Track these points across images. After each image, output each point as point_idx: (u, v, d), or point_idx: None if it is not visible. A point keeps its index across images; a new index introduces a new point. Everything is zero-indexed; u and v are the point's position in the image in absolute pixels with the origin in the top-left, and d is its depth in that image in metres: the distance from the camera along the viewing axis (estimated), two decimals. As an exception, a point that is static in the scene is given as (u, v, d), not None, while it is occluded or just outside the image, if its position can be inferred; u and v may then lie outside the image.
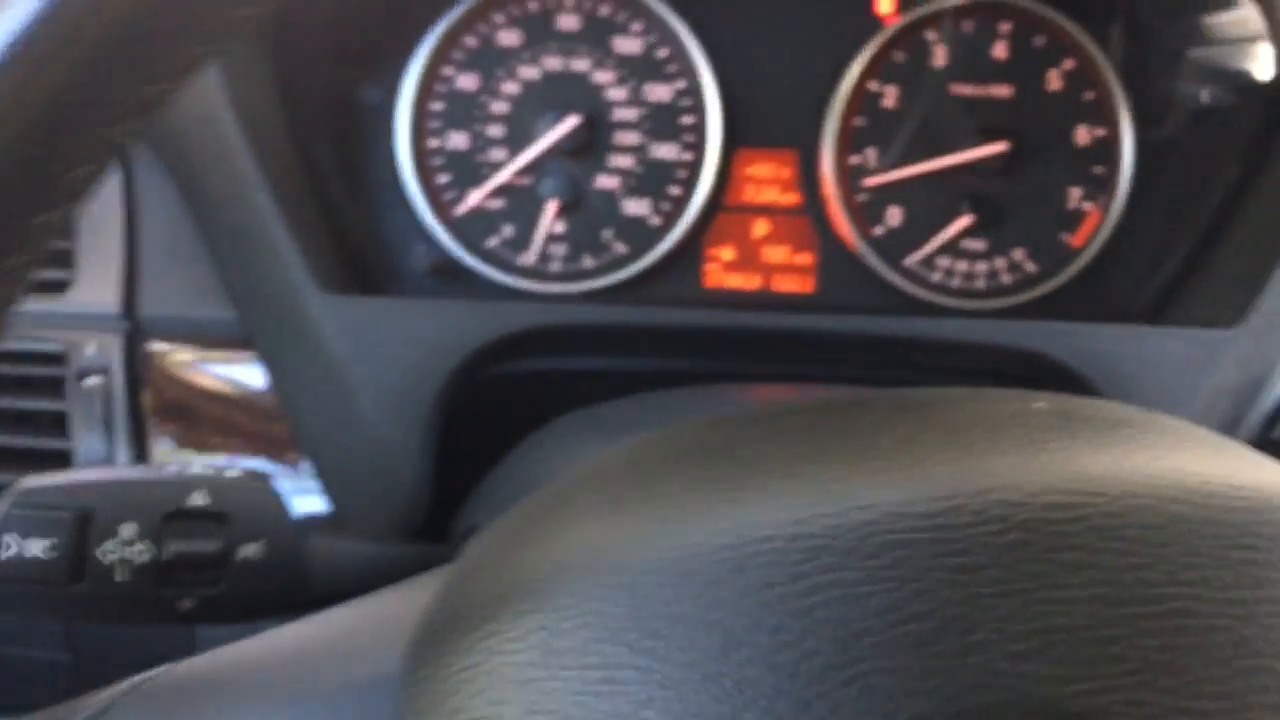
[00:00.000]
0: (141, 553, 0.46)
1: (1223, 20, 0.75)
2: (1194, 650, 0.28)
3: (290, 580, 0.48)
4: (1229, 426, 0.71)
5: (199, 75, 0.30)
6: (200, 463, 0.71)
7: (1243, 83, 0.76)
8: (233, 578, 0.47)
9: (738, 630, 0.29)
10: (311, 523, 0.69)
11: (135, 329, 0.73)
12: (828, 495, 0.32)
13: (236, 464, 0.72)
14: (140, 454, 0.70)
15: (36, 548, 0.45)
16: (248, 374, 0.72)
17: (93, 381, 0.70)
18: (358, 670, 0.35)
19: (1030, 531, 0.30)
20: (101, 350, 0.71)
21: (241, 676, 0.35)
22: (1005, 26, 0.79)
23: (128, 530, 0.46)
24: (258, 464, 0.72)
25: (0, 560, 0.45)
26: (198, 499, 0.47)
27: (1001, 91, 0.79)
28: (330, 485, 0.68)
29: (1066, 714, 0.27)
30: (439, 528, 0.67)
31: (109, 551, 0.46)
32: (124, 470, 0.47)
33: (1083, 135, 0.80)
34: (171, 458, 0.71)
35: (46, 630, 0.69)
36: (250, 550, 0.47)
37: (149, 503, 0.46)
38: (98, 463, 0.69)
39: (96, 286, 0.73)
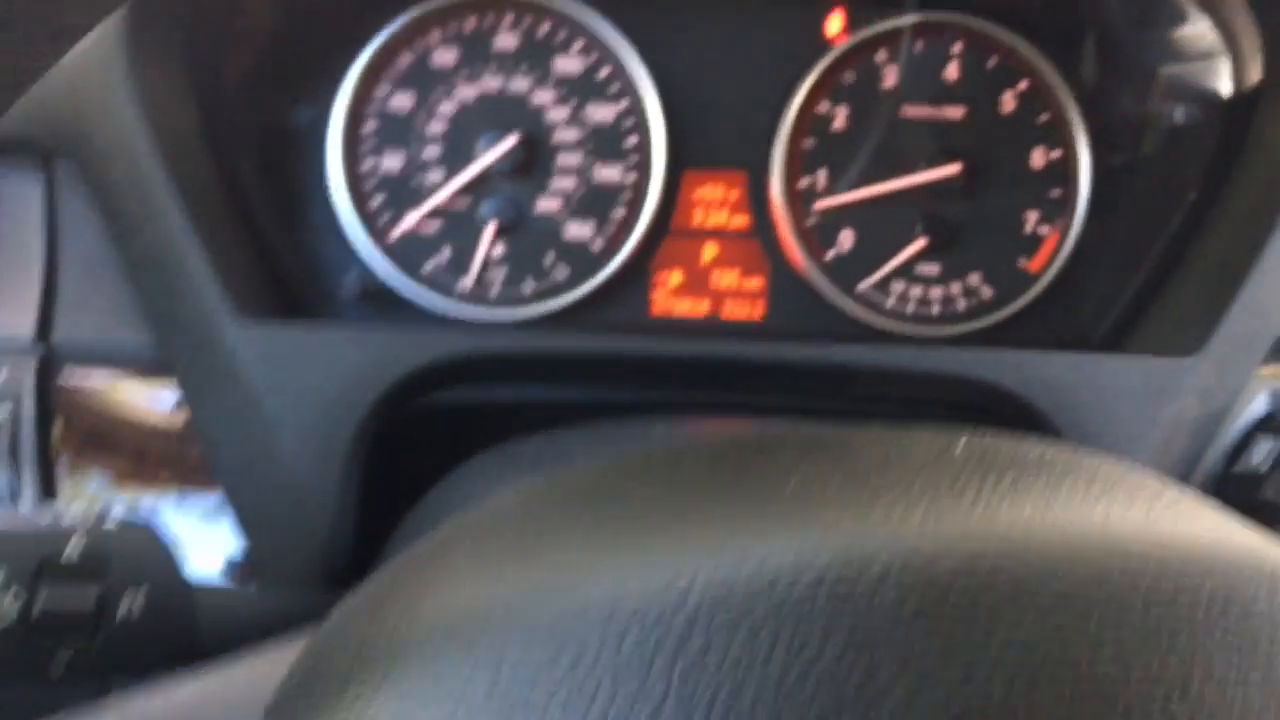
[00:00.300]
0: (9, 607, 0.42)
1: (1189, 34, 0.73)
2: (1121, 729, 0.26)
3: (177, 636, 0.45)
4: (1189, 460, 0.68)
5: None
6: (94, 502, 0.67)
7: (1211, 100, 0.74)
8: (111, 634, 0.44)
9: (617, 704, 0.26)
10: (224, 565, 0.65)
11: (49, 354, 0.69)
12: (719, 552, 0.29)
13: (143, 501, 0.68)
14: (47, 487, 0.67)
15: (-103, 600, 0.42)
16: (165, 401, 0.69)
17: (1, 412, 0.67)
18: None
19: (939, 594, 0.27)
20: (11, 378, 0.67)
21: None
22: (957, 47, 0.77)
23: (-4, 580, 0.42)
24: (172, 496, 0.69)
25: None
26: (74, 549, 0.44)
27: (954, 113, 0.77)
28: (247, 524, 0.64)
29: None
30: (362, 572, 0.63)
31: (-26, 604, 0.42)
32: (-9, 518, 0.44)
33: (1039, 157, 0.78)
34: (80, 490, 0.67)
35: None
36: (131, 604, 0.44)
37: (19, 553, 0.43)
38: (2, 496, 0.66)
39: (11, 310, 0.70)
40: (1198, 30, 0.72)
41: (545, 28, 0.76)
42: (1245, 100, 0.71)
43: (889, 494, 0.31)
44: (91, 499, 0.64)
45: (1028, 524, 0.30)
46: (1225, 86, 0.73)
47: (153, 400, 0.70)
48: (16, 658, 0.43)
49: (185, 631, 0.45)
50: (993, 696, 0.26)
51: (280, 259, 0.74)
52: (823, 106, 0.77)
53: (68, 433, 0.68)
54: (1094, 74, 0.77)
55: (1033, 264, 0.78)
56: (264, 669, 0.35)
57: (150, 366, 0.69)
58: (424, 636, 0.29)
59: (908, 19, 0.76)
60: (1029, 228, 0.78)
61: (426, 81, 0.76)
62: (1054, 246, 0.78)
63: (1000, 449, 0.36)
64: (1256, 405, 0.71)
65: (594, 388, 0.71)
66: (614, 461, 0.37)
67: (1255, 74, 0.70)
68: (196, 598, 0.46)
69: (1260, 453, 0.69)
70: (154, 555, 0.45)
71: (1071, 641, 0.26)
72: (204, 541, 0.64)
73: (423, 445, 0.69)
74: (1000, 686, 0.26)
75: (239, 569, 0.64)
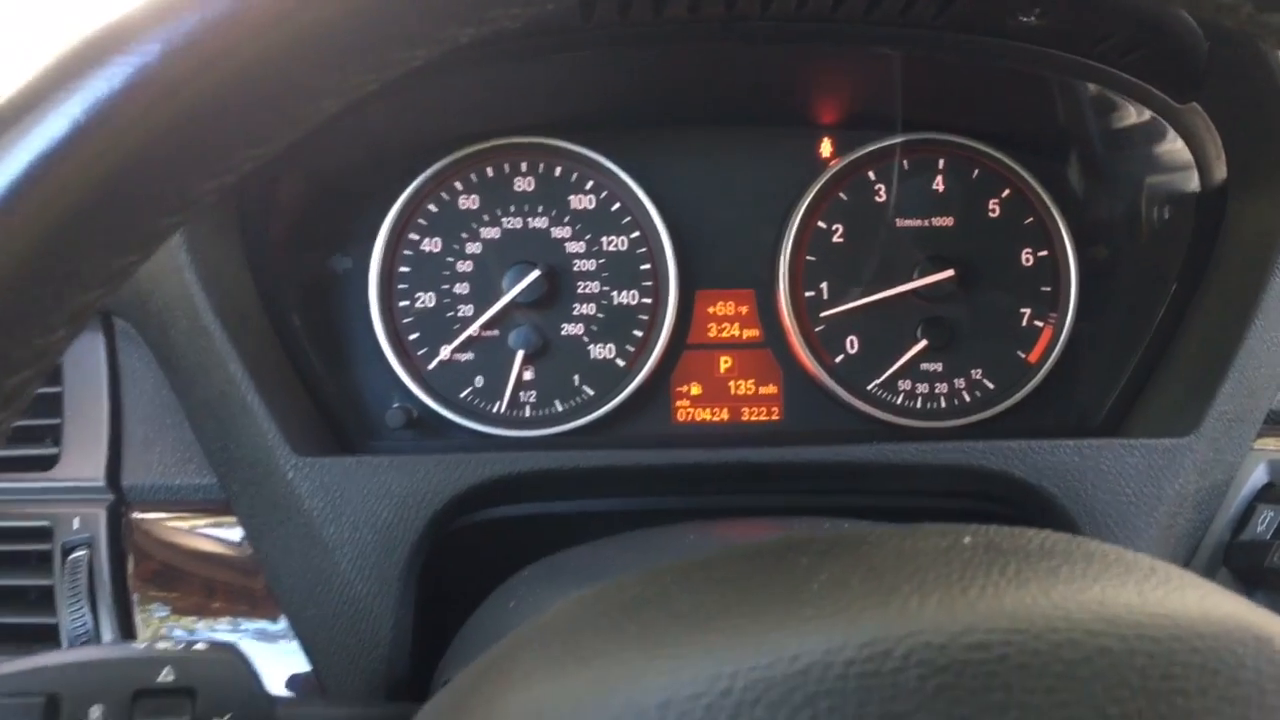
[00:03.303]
0: (109, 737, 0.46)
1: (1160, 137, 0.79)
2: (1130, 787, 0.29)
3: (262, 753, 0.49)
4: (1195, 532, 0.71)
5: (160, 247, 0.33)
6: (173, 633, 0.71)
7: (1184, 199, 0.79)
8: (204, 754, 0.47)
9: (678, 788, 0.30)
10: (292, 684, 0.68)
11: (119, 499, 0.74)
12: (757, 648, 0.32)
13: (215, 630, 0.72)
14: (125, 624, 0.71)
15: (6, 736, 0.46)
16: (228, 536, 0.73)
17: (78, 555, 0.71)
18: None
19: (957, 674, 0.30)
20: (86, 523, 0.72)
21: None
22: (941, 161, 0.83)
23: (96, 712, 0.46)
24: (241, 624, 0.72)
25: (-29, 751, 0.45)
26: (166, 676, 0.48)
27: (944, 221, 0.83)
28: (311, 645, 0.68)
29: None
30: (423, 682, 0.67)
31: (78, 735, 0.46)
32: (90, 650, 0.48)
33: (1027, 257, 0.83)
34: (155, 625, 0.71)
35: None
36: (220, 722, 0.48)
37: (117, 682, 0.47)
38: (83, 635, 0.69)
39: (82, 461, 0.75)
40: (1165, 134, 0.78)
41: (559, 169, 0.83)
42: (1214, 197, 0.76)
43: (905, 587, 0.35)
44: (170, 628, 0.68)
45: (1030, 608, 0.33)
46: (1195, 187, 0.78)
47: (218, 536, 0.74)
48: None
49: (270, 749, 0.49)
50: (1010, 760, 0.29)
51: (328, 396, 0.79)
52: (821, 223, 0.83)
53: (138, 571, 0.72)
54: (1073, 178, 0.83)
55: (1031, 355, 0.83)
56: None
57: (213, 505, 0.74)
58: (505, 732, 0.33)
59: (892, 140, 0.83)
60: (1024, 322, 0.83)
61: (453, 225, 0.82)
62: (1049, 338, 0.83)
63: (1002, 540, 0.40)
64: (1257, 476, 0.75)
65: (625, 497, 0.75)
66: (656, 571, 0.41)
67: (1220, 174, 0.76)
68: (278, 713, 0.49)
69: (1263, 522, 0.72)
70: (238, 675, 0.49)
71: (1077, 711, 0.30)
72: (270, 664, 0.67)
73: (466, 558, 0.73)
74: (1016, 751, 0.29)
75: (303, 687, 0.68)
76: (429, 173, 0.81)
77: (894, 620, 0.33)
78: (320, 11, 0.32)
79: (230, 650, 0.50)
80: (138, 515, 0.74)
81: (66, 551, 0.72)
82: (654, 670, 0.33)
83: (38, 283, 0.30)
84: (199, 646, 0.50)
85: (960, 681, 0.30)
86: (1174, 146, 0.78)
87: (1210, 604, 0.35)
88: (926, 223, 0.83)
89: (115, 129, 0.30)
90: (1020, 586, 0.36)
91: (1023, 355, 0.83)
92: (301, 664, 0.69)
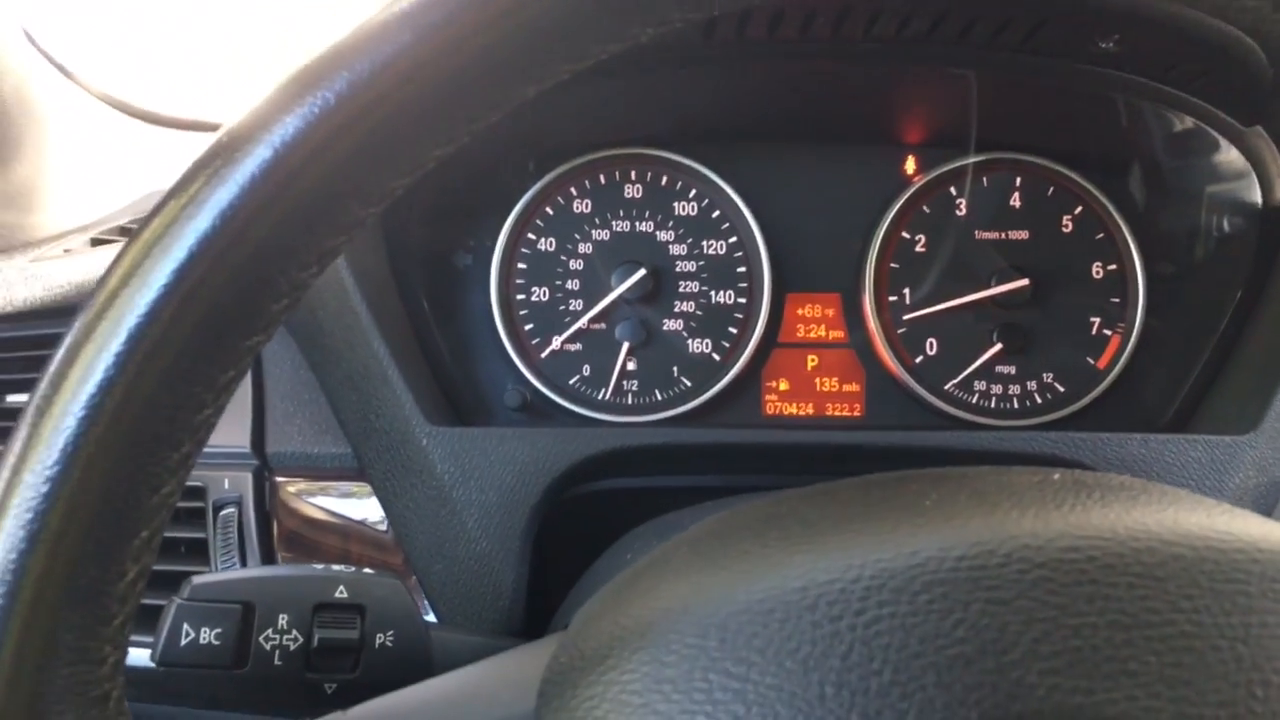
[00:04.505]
0: (294, 640, 0.53)
1: (1223, 159, 0.85)
2: (1198, 665, 0.34)
3: (417, 667, 0.56)
4: (1258, 526, 0.76)
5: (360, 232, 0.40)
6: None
7: (1248, 211, 0.85)
8: (369, 663, 0.55)
9: (814, 656, 0.36)
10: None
11: (263, 465, 0.82)
12: (880, 546, 0.39)
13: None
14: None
15: (207, 636, 0.53)
16: (362, 506, 0.81)
17: (228, 512, 0.79)
18: (496, 711, 0.42)
19: (1051, 570, 0.36)
20: (235, 485, 0.80)
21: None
22: (1018, 179, 0.90)
23: (283, 619, 0.54)
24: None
25: (179, 647, 0.53)
26: (340, 593, 0.55)
27: (1020, 234, 0.89)
28: (437, 599, 0.75)
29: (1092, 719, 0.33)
30: (538, 633, 0.74)
31: (269, 639, 0.53)
32: (279, 569, 0.55)
33: (1097, 270, 0.89)
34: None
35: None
36: (384, 639, 0.55)
37: (300, 596, 0.54)
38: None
39: (229, 430, 0.83)
40: (1230, 156, 0.84)
41: (665, 179, 0.91)
42: (1277, 210, 0.82)
43: (1005, 504, 0.41)
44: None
45: (1114, 523, 0.39)
46: (1259, 199, 0.84)
47: (353, 505, 0.81)
48: (295, 687, 0.54)
49: (425, 665, 0.56)
50: (1098, 643, 0.35)
51: (451, 376, 0.87)
52: (905, 234, 0.90)
53: (282, 531, 0.80)
54: (1142, 197, 0.89)
55: (1100, 361, 0.89)
56: (518, 664, 0.45)
57: (346, 472, 0.82)
58: (663, 616, 0.39)
59: (972, 159, 0.90)
60: (1093, 330, 0.89)
61: (567, 227, 0.91)
62: (1117, 345, 0.88)
63: (1087, 478, 0.46)
64: (1315, 474, 0.79)
65: (718, 475, 0.82)
66: (783, 495, 0.47)
67: (1282, 190, 0.81)
68: (432, 634, 0.56)
69: (1323, 518, 0.76)
70: (400, 599, 0.56)
71: (1154, 603, 0.36)
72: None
73: (572, 525, 0.79)
74: (1104, 635, 0.35)
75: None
76: (547, 179, 0.90)
77: (997, 528, 0.39)
78: (538, 9, 0.39)
79: (394, 578, 0.58)
80: (280, 479, 0.82)
81: (217, 509, 0.80)
82: (793, 563, 0.39)
83: (302, 224, 0.37)
84: (368, 571, 0.57)
85: (1055, 576, 0.36)
86: (1231, 155, 0.84)
87: (1269, 528, 0.41)
88: (1003, 235, 0.90)
89: (373, 101, 0.37)
90: (1105, 507, 0.42)
91: (1092, 361, 0.89)
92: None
